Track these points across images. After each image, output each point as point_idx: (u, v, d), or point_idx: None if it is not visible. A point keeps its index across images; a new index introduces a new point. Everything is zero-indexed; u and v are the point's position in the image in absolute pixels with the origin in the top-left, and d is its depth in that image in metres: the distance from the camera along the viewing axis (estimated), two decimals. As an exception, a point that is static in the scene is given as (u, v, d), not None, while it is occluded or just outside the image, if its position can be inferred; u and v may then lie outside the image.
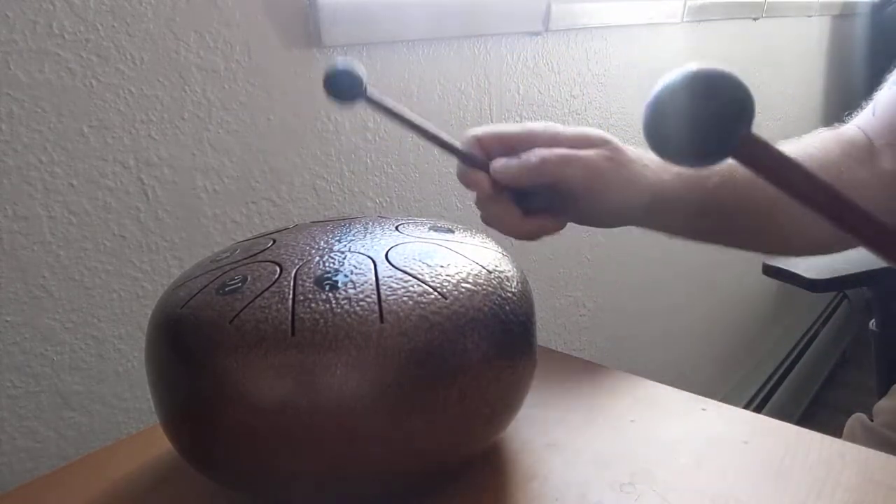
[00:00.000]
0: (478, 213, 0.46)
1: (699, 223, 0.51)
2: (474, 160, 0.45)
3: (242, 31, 0.61)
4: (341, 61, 0.42)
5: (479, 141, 0.46)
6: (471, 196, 0.46)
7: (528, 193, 0.45)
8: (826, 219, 0.21)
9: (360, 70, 0.43)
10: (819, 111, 1.94)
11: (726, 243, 0.55)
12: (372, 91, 0.43)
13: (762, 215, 0.50)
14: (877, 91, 0.57)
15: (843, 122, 0.57)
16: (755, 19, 1.50)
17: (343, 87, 0.43)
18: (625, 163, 0.45)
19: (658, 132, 0.20)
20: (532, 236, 0.46)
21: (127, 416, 0.59)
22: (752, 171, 0.21)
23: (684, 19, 1.23)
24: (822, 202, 0.20)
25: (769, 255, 0.87)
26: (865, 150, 0.53)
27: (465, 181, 0.45)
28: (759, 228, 0.52)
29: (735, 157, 0.20)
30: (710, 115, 0.19)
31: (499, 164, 0.44)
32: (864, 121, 0.56)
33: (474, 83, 0.86)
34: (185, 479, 0.35)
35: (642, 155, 0.47)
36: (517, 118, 0.94)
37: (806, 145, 0.53)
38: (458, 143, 0.45)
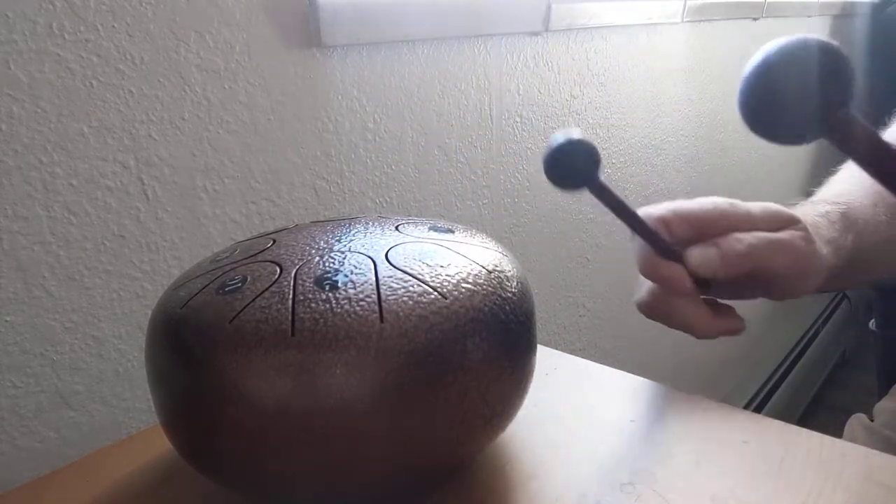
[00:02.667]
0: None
1: (831, 283, 0.47)
2: (670, 250, 0.38)
3: (242, 31, 0.61)
4: (576, 137, 0.33)
5: (663, 223, 0.39)
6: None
7: (711, 284, 0.40)
8: None
9: (596, 151, 0.34)
10: (819, 111, 1.94)
11: (878, 278, 0.53)
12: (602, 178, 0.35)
13: (871, 262, 0.48)
14: (886, 101, 0.56)
15: (888, 123, 0.56)
16: (755, 19, 1.50)
17: (575, 171, 0.34)
18: (815, 243, 0.41)
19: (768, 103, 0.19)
20: (715, 336, 0.41)
21: (127, 416, 0.59)
22: (842, 150, 0.20)
23: (684, 19, 1.23)
24: None
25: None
26: None
27: (657, 274, 0.38)
28: (865, 275, 0.50)
29: (830, 132, 0.19)
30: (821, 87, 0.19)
31: (697, 254, 0.38)
32: None
33: (474, 83, 0.86)
34: (185, 479, 0.35)
35: (815, 228, 0.43)
36: (517, 118, 0.94)
37: (863, 175, 0.52)
38: (656, 231, 0.38)
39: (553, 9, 0.93)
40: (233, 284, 0.30)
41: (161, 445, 0.38)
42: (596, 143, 0.34)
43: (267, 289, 0.29)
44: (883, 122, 0.57)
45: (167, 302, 0.32)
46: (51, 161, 0.52)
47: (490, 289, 0.31)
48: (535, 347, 0.34)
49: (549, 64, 0.98)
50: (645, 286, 0.41)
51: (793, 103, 0.18)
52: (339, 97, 0.71)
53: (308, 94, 0.67)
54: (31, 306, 0.52)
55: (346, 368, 0.27)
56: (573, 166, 0.34)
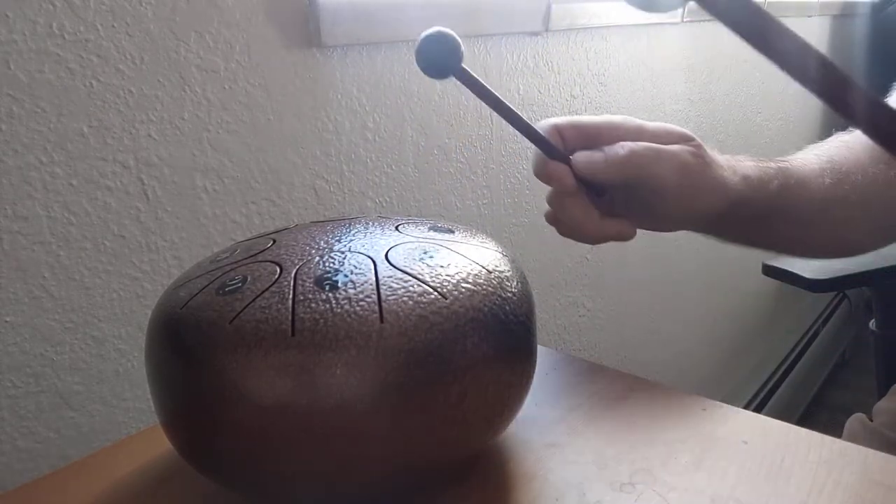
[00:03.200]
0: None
1: (755, 228, 0.50)
2: (555, 151, 0.41)
3: (242, 31, 0.61)
4: (437, 32, 0.39)
5: (558, 131, 0.42)
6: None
7: (604, 191, 0.42)
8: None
9: (458, 42, 0.39)
10: (819, 111, 1.94)
11: (771, 248, 0.54)
12: (465, 67, 0.40)
13: (813, 218, 0.49)
14: (890, 93, 0.57)
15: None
16: (755, 19, 1.49)
17: (438, 60, 0.39)
18: (710, 163, 0.42)
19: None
20: (606, 240, 0.43)
21: (127, 416, 0.59)
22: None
23: (684, 19, 1.23)
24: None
25: (806, 257, 0.83)
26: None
27: (544, 174, 0.42)
28: (805, 232, 0.51)
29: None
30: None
31: (582, 156, 0.41)
32: None
33: (474, 83, 0.86)
34: (185, 479, 0.35)
35: (717, 156, 0.44)
36: (517, 118, 0.94)
37: (833, 148, 0.53)
38: (540, 130, 0.42)
39: (553, 9, 0.93)
40: (233, 284, 0.30)
41: (161, 445, 0.38)
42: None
43: (267, 289, 0.29)
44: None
45: (167, 302, 0.32)
46: (51, 161, 0.52)
47: (490, 289, 0.31)
48: (535, 347, 0.34)
49: (549, 64, 0.98)
50: (546, 199, 0.44)
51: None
52: (339, 97, 0.71)
53: (308, 94, 0.67)
54: (31, 306, 0.52)
55: (346, 368, 0.27)
56: (437, 57, 0.40)
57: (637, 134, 0.42)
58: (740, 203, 0.44)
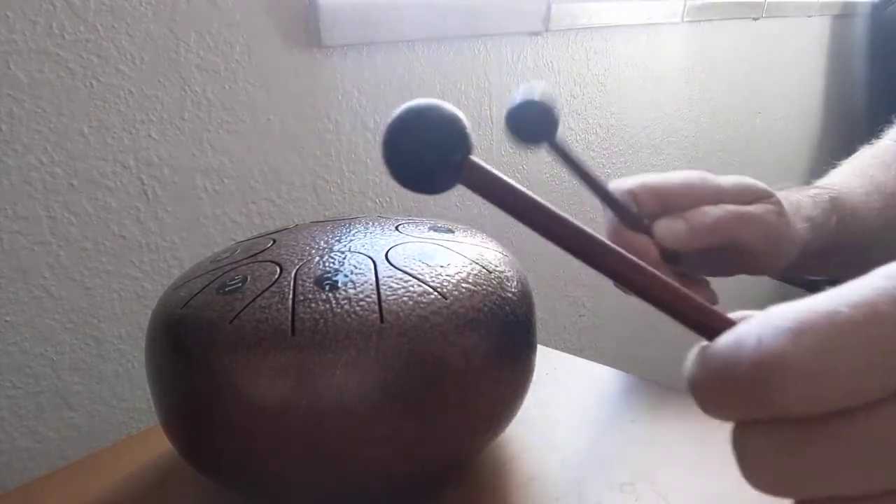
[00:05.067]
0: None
1: (811, 263, 0.48)
2: (637, 222, 0.39)
3: (242, 31, 0.61)
4: (538, 92, 0.35)
5: (632, 195, 0.40)
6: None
7: (680, 257, 0.40)
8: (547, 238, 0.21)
9: (557, 108, 0.35)
10: (819, 111, 1.94)
11: (823, 276, 0.52)
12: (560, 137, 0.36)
13: (867, 244, 0.48)
14: (886, 102, 0.57)
15: (878, 136, 0.57)
16: (755, 19, 1.50)
17: (533, 126, 0.35)
18: (788, 219, 0.41)
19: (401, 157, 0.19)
20: None
21: (127, 416, 0.59)
22: (477, 194, 0.20)
23: (684, 19, 1.23)
24: (539, 222, 0.20)
25: None
26: None
27: (624, 245, 0.38)
28: (859, 259, 0.49)
29: (462, 182, 0.19)
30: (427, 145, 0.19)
31: (665, 226, 0.38)
32: None
33: (474, 83, 0.86)
34: (185, 479, 0.35)
35: (786, 204, 0.43)
36: (517, 118, 0.94)
37: (870, 167, 0.52)
38: (622, 200, 0.39)
39: (553, 9, 0.93)
40: (233, 284, 0.30)
41: (161, 445, 0.38)
42: (559, 109, 0.35)
43: (267, 289, 0.29)
44: (885, 120, 0.57)
45: (167, 302, 0.32)
46: (51, 161, 0.52)
47: (490, 289, 0.31)
48: (535, 347, 0.34)
49: (549, 64, 0.98)
50: None
51: (424, 168, 0.19)
52: (339, 97, 0.71)
53: (308, 94, 0.67)
54: (31, 306, 0.52)
55: (346, 369, 0.27)
56: (531, 122, 0.34)
57: (716, 195, 0.39)
58: (805, 244, 0.43)
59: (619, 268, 0.19)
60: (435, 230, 0.36)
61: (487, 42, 0.87)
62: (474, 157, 0.19)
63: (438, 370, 0.28)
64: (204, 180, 0.61)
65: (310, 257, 0.31)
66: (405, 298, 0.28)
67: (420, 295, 0.29)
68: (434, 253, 0.32)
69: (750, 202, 0.40)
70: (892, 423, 0.14)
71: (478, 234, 0.37)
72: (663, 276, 0.19)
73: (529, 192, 0.19)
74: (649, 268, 0.18)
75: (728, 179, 0.41)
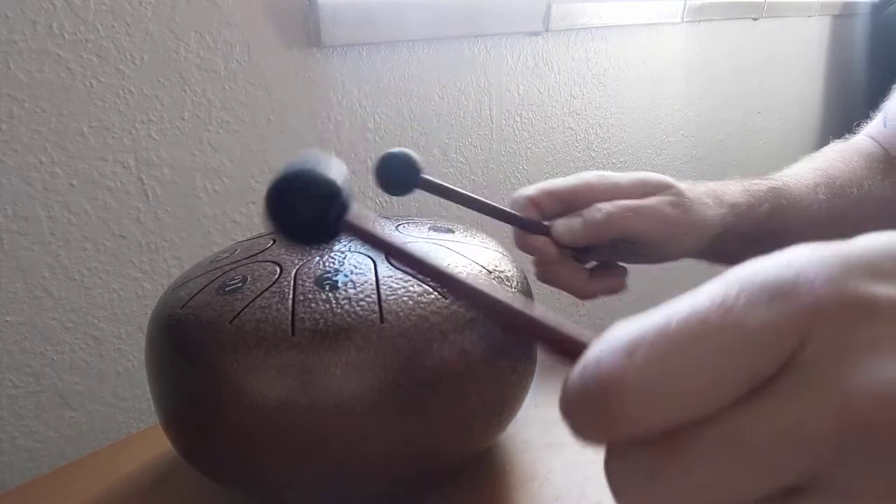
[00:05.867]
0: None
1: (746, 252, 0.49)
2: (532, 225, 0.42)
3: (242, 31, 0.61)
4: (396, 151, 0.40)
5: (533, 201, 0.43)
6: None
7: (588, 251, 0.43)
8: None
9: (416, 157, 0.40)
10: (819, 111, 1.94)
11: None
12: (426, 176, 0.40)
13: (806, 236, 0.49)
14: (885, 101, 0.57)
15: (854, 132, 0.58)
16: (755, 19, 1.50)
17: (398, 176, 0.40)
18: (689, 207, 0.43)
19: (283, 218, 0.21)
20: (596, 296, 0.44)
21: (127, 416, 0.59)
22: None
23: (684, 19, 1.23)
24: (419, 269, 0.22)
25: None
26: (884, 162, 0.53)
27: (526, 248, 0.42)
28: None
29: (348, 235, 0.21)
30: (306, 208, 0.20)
31: (561, 225, 0.41)
32: (876, 132, 0.56)
33: (474, 83, 0.86)
34: (185, 479, 0.35)
35: (701, 192, 0.45)
36: (517, 118, 0.94)
37: (828, 160, 0.53)
38: (513, 211, 0.42)
39: (553, 9, 0.93)
40: (233, 284, 0.30)
41: (161, 445, 0.38)
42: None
43: (267, 289, 0.29)
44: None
45: (167, 302, 0.32)
46: (51, 161, 0.52)
47: (490, 289, 0.31)
48: (536, 347, 0.34)
49: (549, 64, 0.98)
50: (532, 264, 0.45)
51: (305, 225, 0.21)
52: (339, 97, 0.71)
53: (308, 94, 0.67)
54: (31, 306, 0.52)
55: (346, 368, 0.27)
56: (396, 173, 0.40)
57: (613, 191, 0.42)
58: (727, 231, 0.45)
59: (480, 302, 0.19)
60: (435, 230, 0.36)
61: (487, 42, 0.87)
62: (351, 216, 0.21)
63: (438, 370, 0.28)
64: (204, 180, 0.61)
65: (310, 257, 0.31)
66: (405, 298, 0.28)
67: (420, 295, 0.29)
68: (434, 253, 0.32)
69: (646, 195, 0.42)
70: (739, 428, 0.14)
71: (478, 234, 0.37)
72: (522, 307, 0.19)
73: (400, 243, 0.21)
74: (507, 299, 0.19)
75: (626, 175, 0.43)
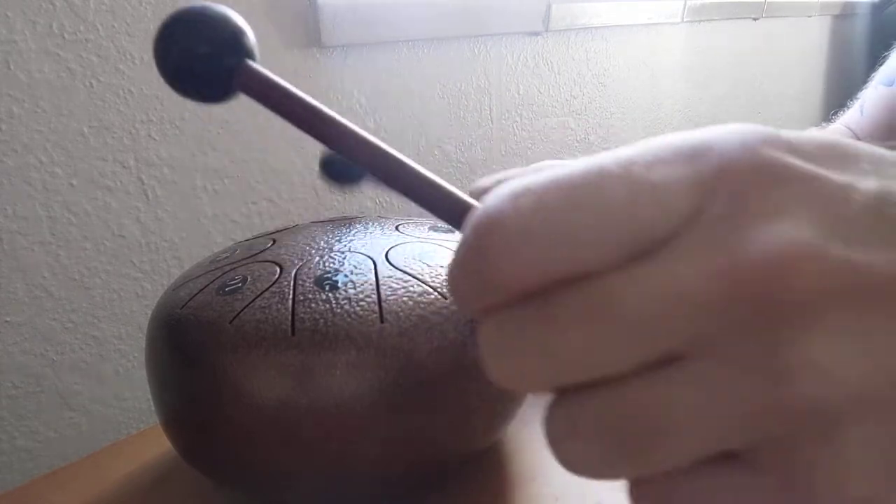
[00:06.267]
0: None
1: None
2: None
3: (242, 31, 0.61)
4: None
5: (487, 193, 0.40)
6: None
7: None
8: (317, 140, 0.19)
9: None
10: (819, 111, 1.94)
11: None
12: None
13: None
14: (863, 89, 0.57)
15: (831, 120, 0.58)
16: (755, 19, 1.50)
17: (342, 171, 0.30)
18: None
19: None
20: None
21: (127, 416, 0.59)
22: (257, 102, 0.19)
23: (684, 19, 1.23)
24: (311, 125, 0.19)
25: None
26: None
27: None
28: None
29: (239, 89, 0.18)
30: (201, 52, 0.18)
31: None
32: (852, 120, 0.56)
33: (474, 83, 0.86)
34: (185, 479, 0.35)
35: None
36: (517, 118, 0.94)
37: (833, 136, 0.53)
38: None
39: (553, 9, 0.93)
40: (233, 284, 0.30)
41: (161, 445, 0.38)
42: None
43: (267, 289, 0.29)
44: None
45: (167, 302, 0.32)
46: (51, 161, 0.52)
47: (490, 289, 0.31)
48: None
49: (549, 64, 0.98)
50: None
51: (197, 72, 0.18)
52: (339, 97, 0.71)
53: (308, 94, 0.67)
54: (31, 306, 0.52)
55: (346, 368, 0.27)
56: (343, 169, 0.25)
57: None
58: None
59: (365, 153, 0.18)
60: (435, 230, 0.36)
61: (487, 42, 0.87)
62: (251, 63, 0.18)
63: (439, 370, 0.28)
64: (204, 180, 0.61)
65: (310, 257, 0.31)
66: (405, 298, 0.28)
67: (420, 295, 0.29)
68: (434, 253, 0.32)
69: None
70: (616, 290, 0.13)
71: (478, 234, 0.36)
72: (411, 163, 0.17)
73: (307, 98, 0.18)
74: (398, 155, 0.17)
75: (578, 163, 0.41)
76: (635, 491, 0.15)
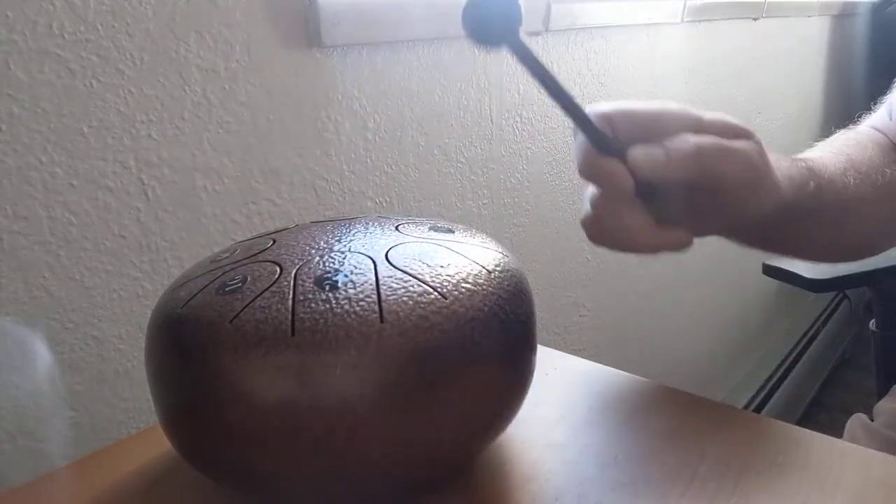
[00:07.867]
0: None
1: (788, 232, 0.46)
2: (610, 145, 0.34)
3: (242, 31, 0.61)
4: None
5: (606, 120, 0.36)
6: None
7: (656, 191, 0.36)
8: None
9: (518, 5, 0.33)
10: (819, 111, 1.94)
11: (799, 252, 0.52)
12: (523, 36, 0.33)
13: (840, 219, 0.47)
14: (888, 93, 0.57)
15: (856, 122, 0.57)
16: (755, 19, 1.50)
17: (494, 24, 0.33)
18: (769, 163, 0.38)
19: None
20: (661, 251, 0.37)
21: (127, 416, 0.59)
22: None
23: (684, 19, 1.23)
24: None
25: (831, 261, 0.69)
26: (893, 152, 0.53)
27: (595, 172, 0.35)
28: (835, 235, 0.49)
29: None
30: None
31: (641, 151, 0.34)
32: (881, 123, 0.55)
33: (474, 83, 0.86)
34: (185, 479, 0.35)
35: (775, 161, 0.40)
36: (517, 118, 0.94)
37: (846, 146, 0.51)
38: (592, 118, 0.35)
39: (553, 9, 0.93)
40: (233, 284, 0.30)
41: (161, 445, 0.38)
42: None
43: (267, 289, 0.29)
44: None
45: (167, 302, 0.32)
46: (51, 161, 0.52)
47: (490, 289, 0.31)
48: (535, 347, 0.34)
49: (549, 64, 0.98)
50: (588, 202, 0.38)
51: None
52: (339, 97, 0.71)
53: (308, 94, 0.67)
54: (31, 306, 0.52)
55: (346, 368, 0.27)
56: (490, 20, 0.33)
57: (697, 127, 0.37)
58: (783, 206, 0.40)
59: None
60: (435, 230, 0.36)
61: (487, 42, 0.87)
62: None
63: (438, 370, 0.28)
64: (204, 180, 0.61)
65: (310, 257, 0.31)
66: (405, 298, 0.28)
67: (420, 295, 0.29)
68: (434, 253, 0.32)
69: (733, 139, 0.37)
70: None
71: (478, 234, 0.37)
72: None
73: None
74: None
75: (710, 114, 0.39)
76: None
